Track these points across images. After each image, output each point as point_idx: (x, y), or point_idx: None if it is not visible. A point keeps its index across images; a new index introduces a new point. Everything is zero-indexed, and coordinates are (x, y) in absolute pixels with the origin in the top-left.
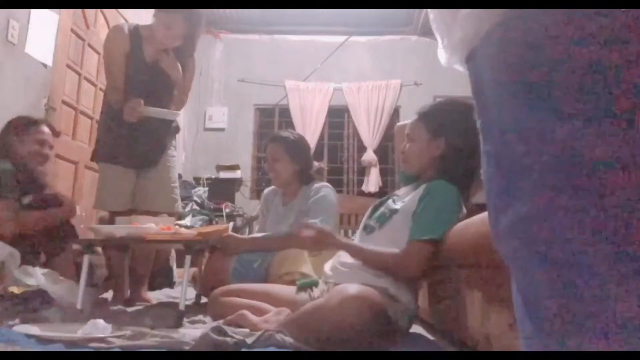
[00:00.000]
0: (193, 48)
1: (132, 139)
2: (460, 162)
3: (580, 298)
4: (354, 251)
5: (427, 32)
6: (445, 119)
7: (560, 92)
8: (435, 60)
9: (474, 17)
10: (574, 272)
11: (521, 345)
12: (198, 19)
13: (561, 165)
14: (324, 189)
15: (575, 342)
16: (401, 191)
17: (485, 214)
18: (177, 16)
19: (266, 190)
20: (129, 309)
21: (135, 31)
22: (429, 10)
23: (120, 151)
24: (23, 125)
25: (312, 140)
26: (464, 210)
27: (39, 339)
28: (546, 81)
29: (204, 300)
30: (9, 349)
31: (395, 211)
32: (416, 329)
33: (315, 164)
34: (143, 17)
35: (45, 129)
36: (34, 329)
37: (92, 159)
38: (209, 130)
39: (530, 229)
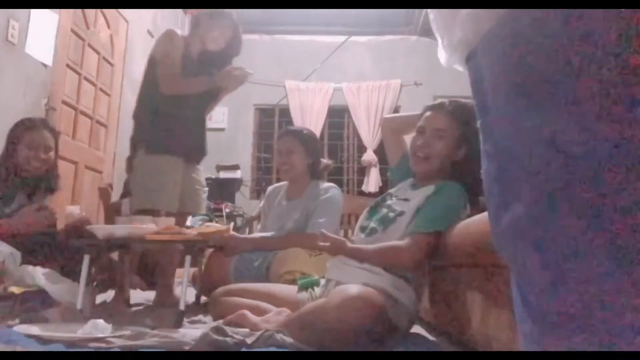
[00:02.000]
0: (239, 47)
1: (184, 129)
2: (471, 173)
3: (580, 298)
4: (361, 255)
5: (427, 32)
6: (475, 125)
7: (559, 92)
8: (435, 60)
9: (474, 17)
10: (574, 271)
11: (521, 345)
12: (235, 19)
13: (561, 165)
14: (332, 189)
15: (576, 342)
16: (397, 190)
17: (485, 214)
18: (224, 20)
19: (270, 188)
20: (129, 309)
21: (184, 38)
22: (429, 10)
23: (173, 141)
24: (20, 131)
25: None
26: (468, 209)
27: (39, 339)
28: (545, 81)
29: (204, 300)
30: (9, 349)
31: (401, 213)
32: (416, 329)
33: (323, 161)
34: (143, 17)
35: (43, 133)
36: (34, 329)
37: (129, 153)
38: (209, 130)
39: (530, 229)
